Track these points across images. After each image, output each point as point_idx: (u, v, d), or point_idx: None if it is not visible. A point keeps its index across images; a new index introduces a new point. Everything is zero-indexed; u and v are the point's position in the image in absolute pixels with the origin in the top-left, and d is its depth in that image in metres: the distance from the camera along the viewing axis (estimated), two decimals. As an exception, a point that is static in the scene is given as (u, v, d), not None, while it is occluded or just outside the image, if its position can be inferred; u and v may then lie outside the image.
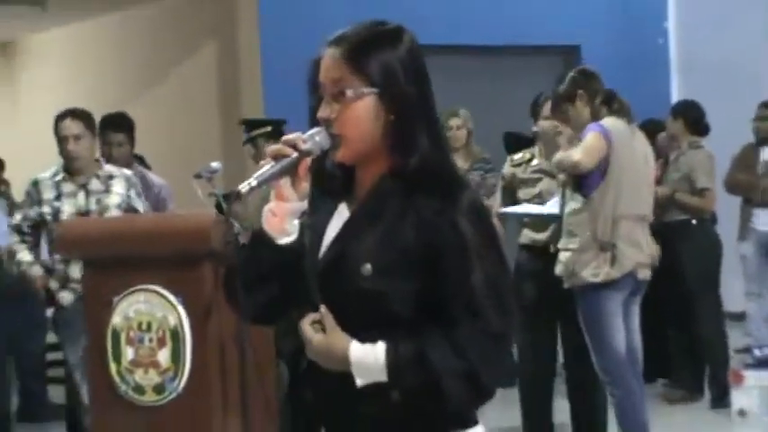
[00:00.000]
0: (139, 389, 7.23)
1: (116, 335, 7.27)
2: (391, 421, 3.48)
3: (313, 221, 3.64)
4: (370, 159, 3.55)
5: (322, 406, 3.58)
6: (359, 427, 3.53)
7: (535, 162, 9.89)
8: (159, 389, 7.18)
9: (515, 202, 9.79)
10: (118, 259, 7.40)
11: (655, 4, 19.03)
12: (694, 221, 11.95)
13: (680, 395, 12.01)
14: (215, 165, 10.42)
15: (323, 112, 3.50)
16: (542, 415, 9.74)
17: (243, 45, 16.40)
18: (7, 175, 16.33)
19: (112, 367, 7.29)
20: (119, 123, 11.76)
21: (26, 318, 12.80)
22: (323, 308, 3.47)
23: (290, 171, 3.52)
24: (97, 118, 11.49)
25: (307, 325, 3.46)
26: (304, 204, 3.59)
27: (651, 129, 11.24)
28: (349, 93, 3.47)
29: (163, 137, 13.98)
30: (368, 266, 3.44)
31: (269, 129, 12.01)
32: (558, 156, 8.78)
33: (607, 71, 14.48)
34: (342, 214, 3.61)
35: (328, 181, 3.64)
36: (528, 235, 9.66)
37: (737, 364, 11.86)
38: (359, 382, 3.42)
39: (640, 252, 8.68)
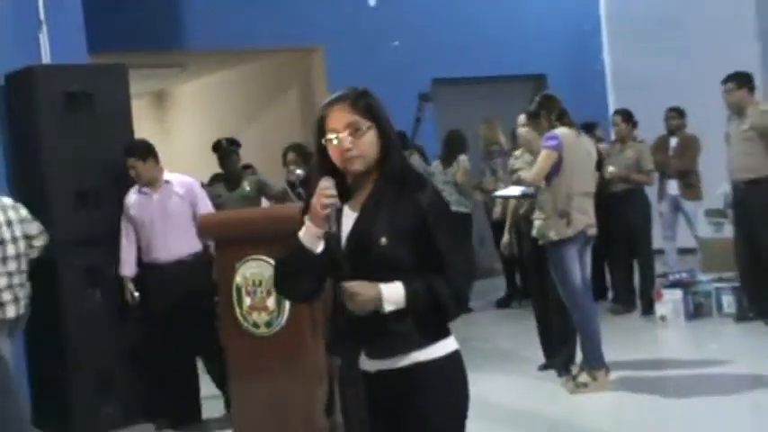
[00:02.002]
0: (255, 324, 7.27)
1: (239, 289, 7.30)
2: (407, 332, 3.63)
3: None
4: (370, 171, 3.72)
5: (359, 328, 3.66)
6: (386, 339, 3.64)
7: (518, 153, 10.23)
8: (268, 324, 7.22)
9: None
10: (238, 238, 7.44)
11: (595, 40, 18.85)
12: (636, 190, 12.13)
13: (621, 309, 12.16)
14: (299, 171, 10.44)
15: (346, 145, 3.65)
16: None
17: (316, 89, 16.38)
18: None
19: (237, 311, 7.34)
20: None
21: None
22: (348, 283, 3.60)
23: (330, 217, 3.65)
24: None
25: (348, 285, 3.57)
26: (334, 227, 3.68)
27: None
28: (362, 127, 3.66)
29: (264, 152, 14.04)
30: (383, 239, 3.61)
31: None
32: (522, 174, 9.17)
33: (565, 92, 14.54)
34: (350, 211, 3.76)
35: (340, 189, 3.73)
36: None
37: (658, 286, 11.88)
38: (388, 308, 3.56)
39: (588, 217, 8.82)
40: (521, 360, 10.26)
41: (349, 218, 3.75)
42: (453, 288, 3.67)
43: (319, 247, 3.68)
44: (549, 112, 8.93)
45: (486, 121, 14.49)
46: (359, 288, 3.57)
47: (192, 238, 8.76)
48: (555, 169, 8.65)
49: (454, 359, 3.75)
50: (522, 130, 9.48)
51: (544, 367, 9.55)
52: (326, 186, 3.63)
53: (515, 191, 9.66)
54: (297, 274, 3.79)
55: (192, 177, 9.10)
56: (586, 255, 8.96)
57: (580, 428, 7.82)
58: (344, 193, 3.77)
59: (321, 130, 3.74)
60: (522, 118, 9.64)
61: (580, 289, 8.78)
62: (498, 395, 8.71)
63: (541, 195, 8.85)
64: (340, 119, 3.68)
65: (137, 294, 8.79)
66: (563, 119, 8.88)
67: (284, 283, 3.91)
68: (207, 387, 9.09)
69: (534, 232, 9.02)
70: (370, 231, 3.67)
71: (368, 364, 3.73)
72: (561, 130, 8.75)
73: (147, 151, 8.66)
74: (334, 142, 3.68)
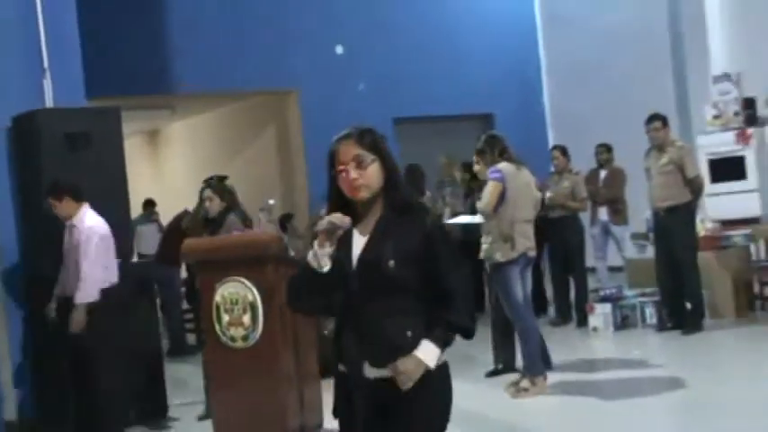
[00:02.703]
0: (233, 338, 7.34)
1: (218, 307, 7.36)
2: (404, 344, 3.64)
3: (340, 241, 3.68)
4: (376, 198, 3.72)
5: (365, 342, 3.68)
6: (388, 351, 3.64)
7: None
8: (245, 338, 7.29)
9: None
10: (217, 262, 7.48)
11: (536, 84, 18.90)
12: (571, 216, 12.17)
13: (559, 321, 12.18)
14: (271, 201, 10.44)
15: (354, 175, 3.64)
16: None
17: (291, 127, 16.42)
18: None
19: (217, 326, 7.40)
20: None
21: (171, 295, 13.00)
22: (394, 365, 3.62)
23: (333, 236, 3.62)
24: (205, 176, 11.65)
25: (395, 366, 3.59)
26: (333, 249, 3.65)
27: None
28: (367, 160, 3.66)
29: (244, 184, 14.05)
30: (392, 262, 3.61)
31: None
32: (478, 204, 9.07)
33: (511, 129, 14.65)
34: (359, 235, 3.73)
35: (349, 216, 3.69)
36: None
37: (591, 300, 11.94)
38: (432, 365, 3.61)
39: (528, 240, 8.83)
40: (472, 364, 10.30)
41: (359, 241, 3.74)
42: (463, 310, 3.72)
43: (326, 267, 3.64)
44: (492, 149, 8.97)
45: (446, 156, 14.58)
46: (407, 369, 3.59)
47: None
48: (499, 199, 8.69)
49: (443, 369, 3.75)
50: (476, 167, 9.42)
51: (492, 373, 9.59)
52: (335, 219, 3.64)
53: (464, 219, 9.73)
54: (306, 292, 3.77)
55: (103, 226, 8.39)
56: (527, 274, 8.99)
57: (522, 427, 7.82)
58: (354, 219, 3.73)
59: (332, 162, 3.74)
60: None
61: (522, 304, 8.80)
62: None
63: (488, 222, 8.83)
64: (347, 152, 3.68)
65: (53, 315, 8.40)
66: (504, 155, 8.92)
67: (293, 299, 3.91)
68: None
69: (482, 254, 9.00)
70: (379, 255, 3.66)
71: (370, 372, 3.71)
72: (502, 165, 8.80)
73: (61, 191, 8.16)
74: (343, 174, 3.69)
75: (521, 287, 8.80)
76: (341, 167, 3.69)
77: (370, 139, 3.73)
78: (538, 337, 9.01)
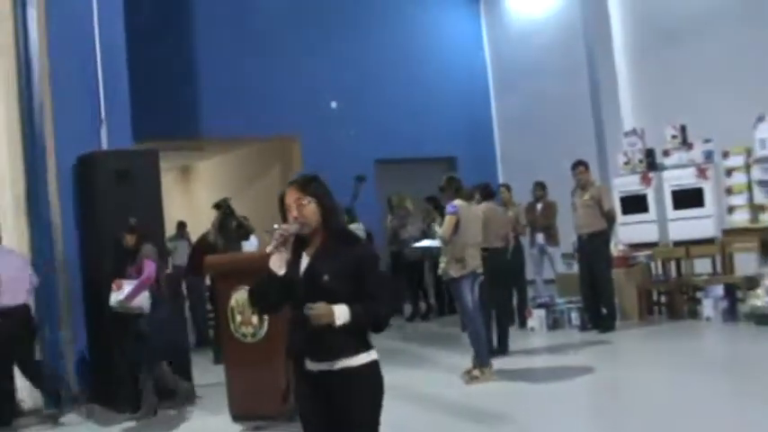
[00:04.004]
0: (244, 335, 7.40)
1: (232, 309, 7.44)
2: (339, 345, 3.62)
3: (291, 262, 3.75)
4: (316, 231, 3.75)
5: (307, 340, 3.68)
6: (325, 349, 3.64)
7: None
8: (253, 335, 7.34)
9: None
10: (232, 273, 7.51)
11: (489, 133, 18.97)
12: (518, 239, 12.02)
13: (505, 323, 11.89)
14: (276, 226, 10.41)
15: (295, 213, 3.72)
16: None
17: (294, 167, 16.34)
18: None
19: (231, 325, 7.48)
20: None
21: (197, 298, 13.00)
22: (312, 304, 3.58)
23: (286, 242, 3.72)
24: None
25: (313, 306, 3.55)
26: (288, 255, 3.74)
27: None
28: (304, 202, 3.73)
29: (255, 211, 14.05)
30: (326, 276, 3.63)
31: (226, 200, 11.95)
32: (438, 230, 9.20)
33: (469, 169, 14.75)
34: (305, 257, 3.76)
35: (297, 245, 3.78)
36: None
37: (529, 306, 11.98)
38: (338, 322, 3.54)
39: (476, 261, 8.86)
40: (431, 358, 10.36)
41: (305, 261, 3.75)
42: (383, 311, 3.71)
43: (281, 271, 3.71)
44: (449, 188, 9.01)
45: (396, 194, 14.65)
46: (320, 308, 3.55)
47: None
48: (454, 229, 8.73)
49: (373, 366, 3.72)
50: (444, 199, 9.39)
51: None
52: (286, 226, 3.73)
53: (427, 242, 9.79)
54: (264, 292, 3.80)
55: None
56: (476, 286, 8.95)
57: (473, 407, 7.84)
58: (303, 245, 3.78)
59: (281, 202, 3.81)
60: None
61: (472, 310, 8.81)
62: (413, 383, 8.76)
63: (445, 246, 8.86)
64: (291, 196, 3.76)
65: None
66: (459, 193, 8.98)
67: (256, 298, 3.93)
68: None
69: (440, 271, 9.07)
70: (318, 271, 3.67)
71: (312, 366, 3.70)
72: (457, 201, 8.84)
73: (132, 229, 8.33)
74: (288, 213, 3.76)
75: (471, 297, 8.81)
76: (287, 207, 3.77)
77: (309, 186, 3.78)
78: (485, 336, 9.03)
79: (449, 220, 8.77)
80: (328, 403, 3.69)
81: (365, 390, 3.70)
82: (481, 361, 8.81)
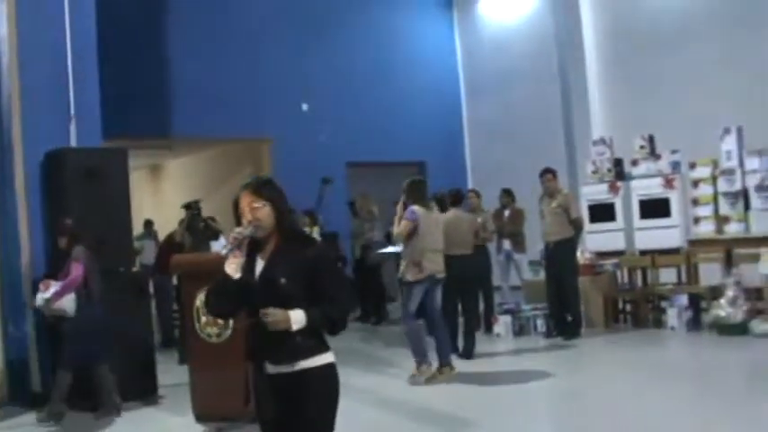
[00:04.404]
0: (209, 335, 7.37)
1: (198, 309, 7.37)
2: (296, 347, 3.61)
3: (246, 265, 3.71)
4: (271, 234, 3.72)
5: (264, 343, 3.66)
6: (282, 351, 3.64)
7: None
8: (219, 335, 7.32)
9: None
10: (198, 273, 7.40)
11: (459, 138, 19.04)
12: (482, 246, 11.92)
13: (470, 328, 11.91)
14: (238, 228, 10.35)
15: (249, 217, 3.69)
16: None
17: (264, 170, 16.25)
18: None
19: (197, 325, 7.44)
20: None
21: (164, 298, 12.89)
22: (269, 309, 3.57)
23: (241, 245, 3.68)
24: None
25: (270, 311, 3.54)
26: (243, 259, 3.71)
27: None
28: (257, 205, 3.69)
29: (223, 213, 13.96)
30: (283, 279, 3.62)
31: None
32: (393, 231, 9.29)
33: (439, 174, 14.75)
34: (260, 260, 3.74)
35: (252, 247, 3.74)
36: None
37: (495, 313, 12.01)
38: (295, 327, 3.54)
39: (436, 265, 8.94)
40: (381, 360, 10.39)
41: (260, 264, 3.74)
42: (340, 313, 3.69)
43: (237, 275, 3.68)
44: (410, 194, 9.03)
45: (361, 195, 14.65)
46: (277, 313, 3.55)
47: None
48: (412, 234, 8.82)
49: (330, 368, 3.72)
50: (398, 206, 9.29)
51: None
52: (240, 229, 3.70)
53: (391, 249, 9.82)
54: (220, 296, 3.77)
55: None
56: (437, 291, 9.03)
57: (427, 409, 7.85)
58: (257, 248, 3.76)
59: (236, 205, 3.79)
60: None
61: (411, 314, 8.89)
62: (364, 383, 8.82)
63: (405, 250, 8.98)
64: (245, 199, 3.74)
65: None
66: (419, 198, 9.00)
67: (211, 303, 3.90)
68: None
69: (399, 274, 9.15)
70: (273, 274, 3.66)
71: (270, 368, 3.69)
72: (416, 207, 8.90)
73: None
74: (243, 216, 3.74)
75: (418, 302, 8.90)
76: (241, 211, 3.75)
77: (263, 189, 3.76)
78: (421, 338, 9.00)
79: (404, 225, 8.87)
80: (285, 405, 3.69)
81: (322, 392, 3.69)
82: (420, 360, 8.96)
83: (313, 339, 3.68)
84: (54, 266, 8.42)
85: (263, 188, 3.78)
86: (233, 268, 3.69)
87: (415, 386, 8.78)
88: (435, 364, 9.08)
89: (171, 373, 9.75)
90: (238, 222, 3.76)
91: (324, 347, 3.73)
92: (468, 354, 10.10)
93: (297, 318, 3.57)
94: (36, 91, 9.26)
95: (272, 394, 3.72)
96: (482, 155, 18.43)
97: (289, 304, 3.59)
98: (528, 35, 17.34)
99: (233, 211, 3.82)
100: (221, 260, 3.77)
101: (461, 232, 10.13)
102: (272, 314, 3.55)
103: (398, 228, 8.96)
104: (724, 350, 9.69)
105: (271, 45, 16.29)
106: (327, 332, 3.71)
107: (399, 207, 9.14)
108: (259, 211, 3.71)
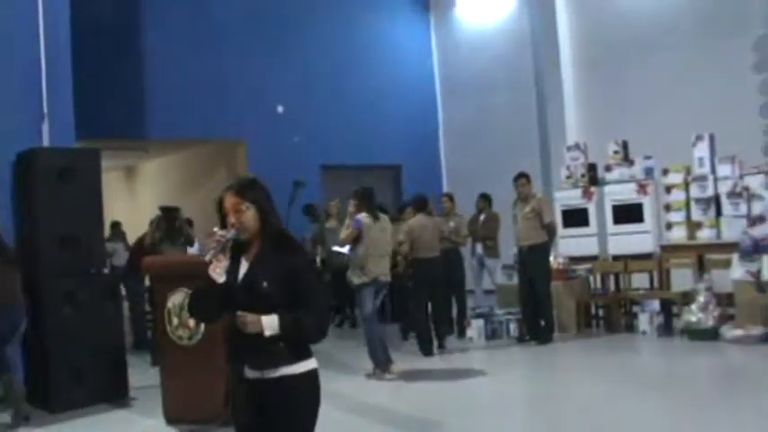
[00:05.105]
0: (180, 338, 7.33)
1: (168, 311, 7.36)
2: (277, 353, 3.56)
3: (230, 268, 3.67)
4: (255, 236, 3.68)
5: (245, 347, 3.61)
6: (263, 357, 3.59)
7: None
8: (190, 338, 7.28)
9: None
10: (169, 275, 7.43)
11: (435, 142, 19.10)
12: (455, 249, 12.08)
13: (445, 332, 11.55)
14: (215, 229, 10.32)
15: (233, 219, 3.64)
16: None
17: (239, 168, 16.31)
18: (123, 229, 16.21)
19: (168, 327, 7.40)
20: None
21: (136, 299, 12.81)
22: (240, 312, 3.56)
23: (224, 248, 3.64)
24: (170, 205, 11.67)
25: (240, 314, 3.53)
26: (227, 262, 3.68)
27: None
28: (243, 208, 3.65)
29: (199, 214, 13.96)
30: (264, 283, 3.57)
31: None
32: (341, 236, 9.70)
33: (414, 177, 14.67)
34: (244, 262, 3.70)
35: (236, 249, 3.71)
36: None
37: (468, 317, 12.05)
38: (267, 333, 3.51)
39: (380, 269, 9.41)
40: (342, 362, 10.41)
41: (243, 266, 3.69)
42: (315, 321, 3.63)
43: (221, 279, 3.63)
44: (360, 201, 9.51)
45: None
46: (247, 317, 3.52)
47: None
48: (357, 240, 9.34)
49: (312, 375, 3.67)
50: (350, 209, 9.65)
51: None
52: (217, 232, 3.67)
53: (342, 249, 10.00)
54: (204, 300, 3.74)
55: None
56: (381, 293, 9.61)
57: (382, 407, 7.95)
58: (241, 250, 3.72)
59: (219, 207, 3.73)
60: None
61: (371, 316, 9.37)
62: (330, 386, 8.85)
63: (352, 255, 9.43)
64: (229, 201, 3.68)
65: None
66: (368, 206, 9.49)
67: (195, 307, 3.86)
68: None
69: (347, 278, 9.60)
70: (256, 277, 3.61)
71: (250, 373, 3.65)
72: (362, 215, 9.41)
73: None
74: (227, 218, 3.69)
75: (372, 303, 9.36)
76: (225, 213, 3.71)
77: (248, 191, 3.71)
78: (377, 340, 9.44)
79: (348, 233, 9.42)
80: (263, 410, 3.64)
81: (302, 399, 3.65)
82: (376, 363, 9.43)
83: (295, 345, 3.62)
84: None
85: (247, 190, 3.72)
86: (217, 273, 3.66)
87: (379, 384, 9.13)
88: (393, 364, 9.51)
89: (143, 375, 9.71)
90: (223, 223, 3.72)
91: (306, 353, 3.69)
92: (440, 345, 10.86)
93: (269, 323, 3.53)
94: (8, 91, 9.20)
95: (250, 400, 3.68)
96: (457, 158, 18.49)
97: (270, 308, 3.55)
98: (504, 39, 17.41)
99: (217, 212, 3.77)
100: (191, 262, 3.73)
101: (426, 236, 10.70)
102: (243, 316, 3.53)
103: (343, 234, 9.55)
104: (695, 355, 9.76)
105: (246, 46, 16.25)
106: (305, 340, 3.67)
107: (349, 212, 9.59)
108: (243, 215, 3.67)
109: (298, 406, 3.62)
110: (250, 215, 3.67)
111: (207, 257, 3.66)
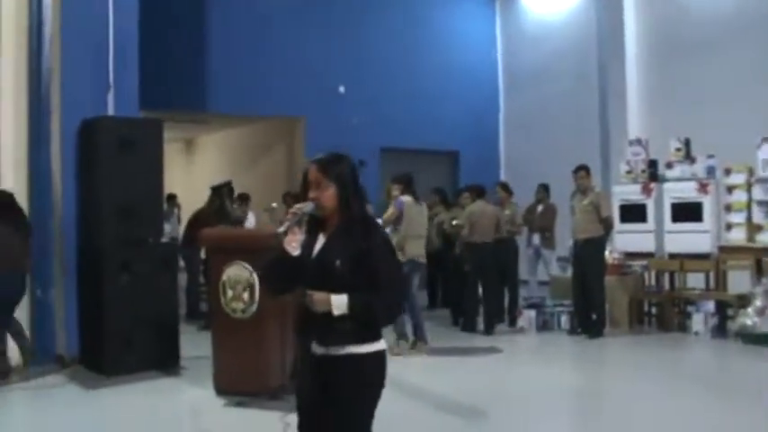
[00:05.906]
0: (234, 310, 7.37)
1: (224, 284, 7.40)
2: (346, 332, 3.52)
3: (307, 242, 3.62)
4: (333, 214, 3.62)
5: (313, 323, 3.56)
6: (331, 334, 3.54)
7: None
8: (243, 311, 7.31)
9: None
10: (226, 248, 7.51)
11: (494, 131, 19.06)
12: (510, 239, 12.23)
13: (494, 318, 11.50)
14: (274, 204, 10.33)
15: (313, 194, 3.59)
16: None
17: (297, 148, 16.49)
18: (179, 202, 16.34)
19: (222, 299, 7.44)
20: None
21: (191, 270, 12.98)
22: (310, 290, 3.52)
23: (300, 222, 3.60)
24: (227, 179, 11.71)
25: (310, 292, 3.50)
26: (303, 236, 3.62)
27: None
28: (324, 184, 3.59)
29: (256, 189, 14.09)
30: (338, 262, 3.52)
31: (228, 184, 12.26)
32: (384, 216, 10.03)
33: (471, 165, 14.61)
34: (321, 239, 3.65)
35: (315, 224, 3.66)
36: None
37: (520, 307, 12.05)
38: (335, 312, 3.47)
39: (418, 250, 9.98)
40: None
41: (320, 242, 3.65)
42: (386, 304, 3.59)
43: (296, 252, 3.59)
44: (401, 184, 10.19)
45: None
46: (317, 295, 3.50)
47: None
48: (398, 221, 9.89)
49: (378, 356, 3.61)
50: (394, 192, 10.29)
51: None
52: (300, 205, 3.63)
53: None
54: (276, 272, 3.71)
55: None
56: (416, 275, 10.03)
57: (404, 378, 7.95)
58: (320, 226, 3.69)
59: (304, 178, 3.69)
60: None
61: (412, 293, 9.77)
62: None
63: (392, 235, 9.61)
64: (312, 174, 3.63)
65: None
66: (409, 189, 10.13)
67: (267, 278, 3.87)
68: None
69: None
70: (330, 255, 3.57)
71: (316, 348, 3.60)
72: (405, 198, 10.03)
73: None
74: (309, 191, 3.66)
75: (410, 281, 9.77)
76: (307, 185, 3.67)
77: (331, 169, 3.64)
78: (419, 315, 10.11)
79: (391, 212, 9.96)
80: (327, 387, 3.61)
81: (366, 379, 3.61)
82: (399, 335, 9.89)
83: (364, 325, 3.58)
84: None
85: (332, 166, 3.66)
86: (293, 246, 3.62)
87: (420, 363, 9.39)
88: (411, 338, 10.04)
89: (195, 345, 9.82)
90: (304, 195, 3.68)
91: (375, 335, 3.65)
92: (489, 329, 11.25)
93: (338, 303, 3.50)
94: (76, 58, 9.34)
95: (315, 375, 3.66)
96: (516, 148, 18.43)
97: (342, 287, 3.52)
98: (570, 31, 17.29)
99: (301, 183, 3.72)
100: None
101: (484, 222, 11.33)
102: (313, 296, 3.52)
103: (386, 214, 9.99)
104: (748, 359, 9.63)
105: (311, 27, 16.34)
106: (375, 323, 3.64)
107: (393, 195, 10.21)
108: (322, 192, 3.63)
109: (361, 385, 3.59)
110: (329, 194, 3.62)
111: (281, 229, 3.63)
